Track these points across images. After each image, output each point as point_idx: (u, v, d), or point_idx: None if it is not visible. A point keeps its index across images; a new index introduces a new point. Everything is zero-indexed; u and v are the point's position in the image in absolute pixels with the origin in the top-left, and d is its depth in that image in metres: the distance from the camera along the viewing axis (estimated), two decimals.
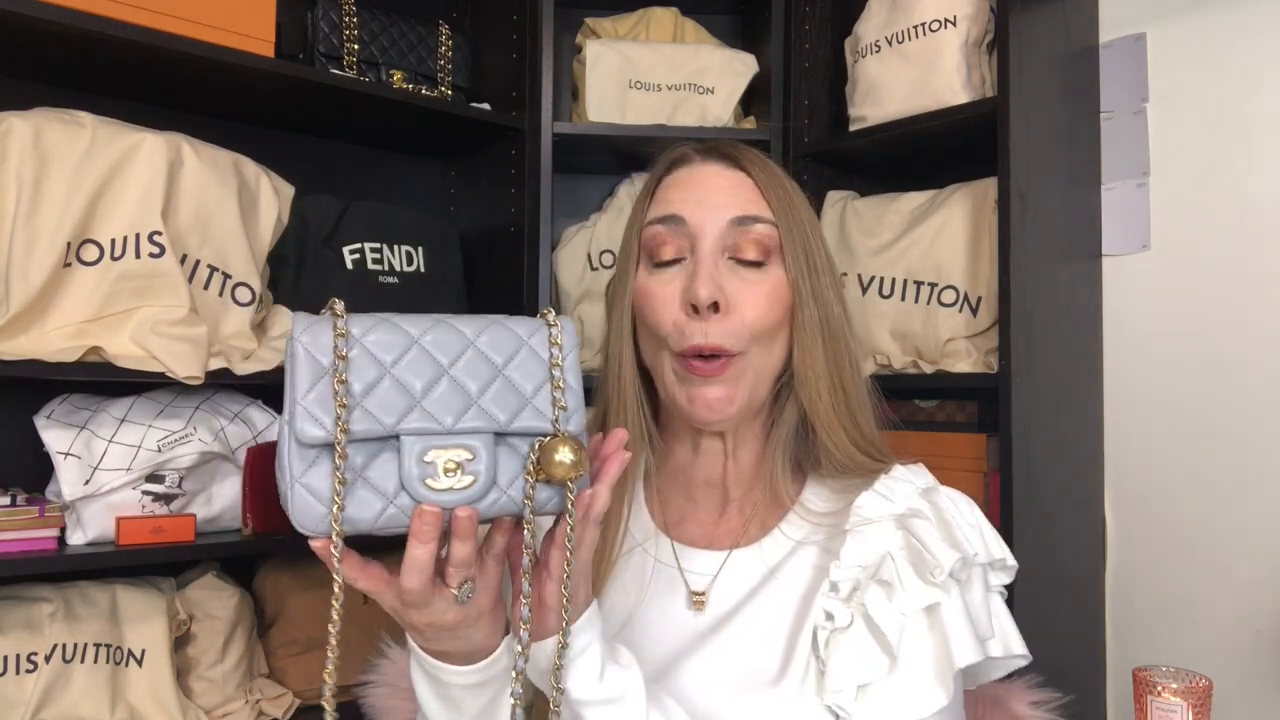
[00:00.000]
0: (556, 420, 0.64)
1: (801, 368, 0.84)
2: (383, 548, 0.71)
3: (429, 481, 0.60)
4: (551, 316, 0.67)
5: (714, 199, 0.84)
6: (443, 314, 0.65)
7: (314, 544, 0.60)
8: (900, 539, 0.81)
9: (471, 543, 0.63)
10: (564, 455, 0.63)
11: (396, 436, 0.60)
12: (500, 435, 0.63)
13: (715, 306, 0.80)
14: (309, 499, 0.59)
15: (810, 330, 0.84)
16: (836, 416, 0.85)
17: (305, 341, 0.60)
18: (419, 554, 0.61)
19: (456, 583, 0.64)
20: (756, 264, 0.83)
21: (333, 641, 0.61)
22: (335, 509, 0.59)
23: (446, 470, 0.61)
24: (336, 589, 0.60)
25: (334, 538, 0.60)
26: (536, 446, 0.64)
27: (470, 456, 0.61)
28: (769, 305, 0.83)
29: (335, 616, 0.61)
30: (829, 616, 0.78)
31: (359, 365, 0.61)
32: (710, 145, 0.89)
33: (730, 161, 0.87)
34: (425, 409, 0.61)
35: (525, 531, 0.65)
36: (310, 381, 0.59)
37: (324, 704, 0.63)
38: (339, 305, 0.62)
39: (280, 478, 0.60)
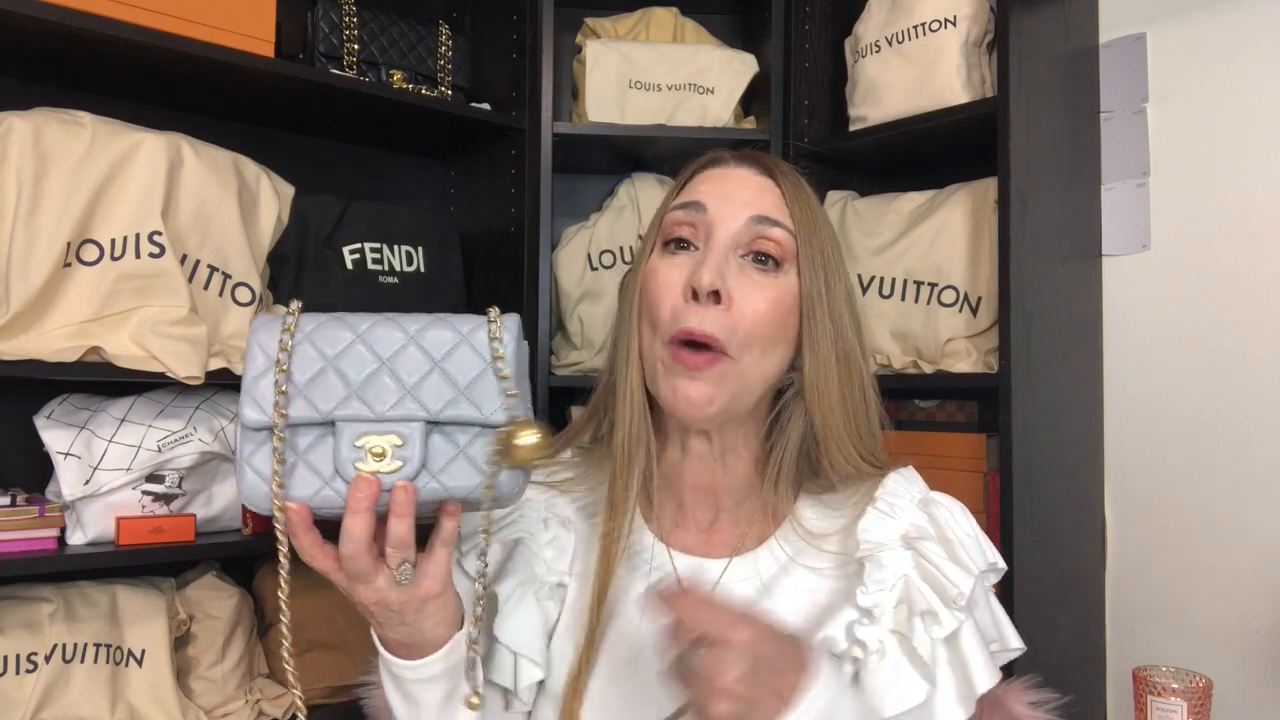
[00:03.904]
0: (510, 407, 0.69)
1: (813, 380, 0.83)
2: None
3: (358, 464, 0.65)
4: (493, 314, 0.71)
5: (738, 196, 0.84)
6: (396, 313, 0.70)
7: (290, 508, 0.66)
8: (910, 560, 0.82)
9: (408, 521, 0.66)
10: (527, 438, 0.67)
11: (334, 422, 0.66)
12: (434, 424, 0.67)
13: (716, 297, 0.80)
14: (254, 478, 0.66)
15: (825, 345, 0.83)
16: (847, 432, 0.84)
17: (258, 337, 0.67)
18: (352, 524, 0.65)
19: (395, 563, 0.67)
20: (769, 267, 0.83)
21: (283, 604, 0.70)
22: (275, 485, 0.66)
23: (374, 454, 0.65)
24: (281, 558, 0.67)
25: (275, 513, 0.66)
26: (501, 433, 0.68)
27: (400, 443, 0.66)
28: (771, 309, 0.81)
29: (284, 584, 0.69)
30: (859, 644, 0.79)
31: (304, 358, 0.67)
32: (747, 152, 0.90)
33: (762, 168, 0.88)
34: (361, 397, 0.66)
35: (482, 519, 0.70)
36: (258, 372, 0.67)
37: (285, 664, 0.71)
38: (295, 304, 0.68)
39: (235, 458, 0.68)
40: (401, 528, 0.66)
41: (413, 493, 0.65)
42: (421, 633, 0.71)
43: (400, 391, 0.67)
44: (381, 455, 0.65)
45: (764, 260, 0.83)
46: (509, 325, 0.70)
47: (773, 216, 0.83)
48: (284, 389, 0.66)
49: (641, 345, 0.86)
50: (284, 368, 0.66)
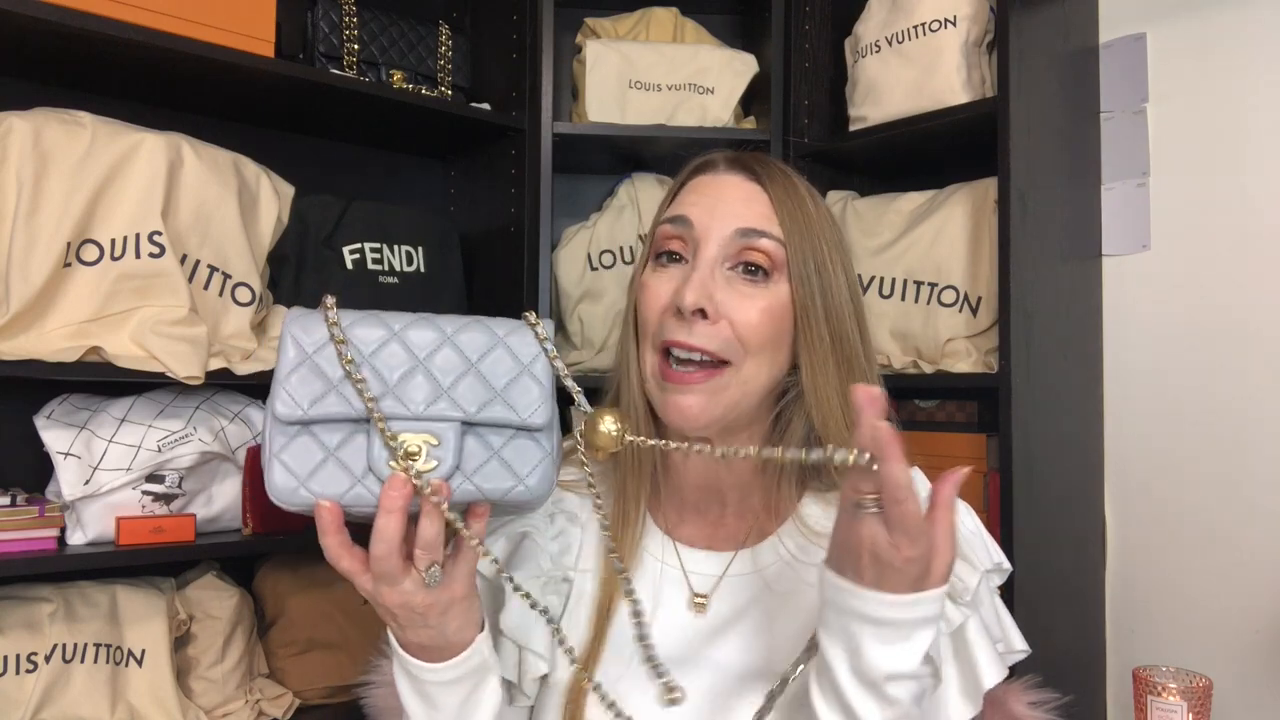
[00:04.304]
0: (579, 405, 0.70)
1: (811, 386, 0.83)
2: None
3: (392, 463, 0.64)
4: (532, 318, 0.71)
5: (724, 208, 0.84)
6: (430, 313, 0.70)
7: (320, 505, 0.64)
8: None
9: (440, 521, 0.65)
10: (608, 425, 0.68)
11: (368, 420, 0.65)
12: (469, 425, 0.67)
13: (702, 313, 0.80)
14: (286, 473, 0.65)
15: (821, 350, 0.83)
16: (849, 434, 0.84)
17: (294, 331, 0.66)
18: (385, 523, 0.64)
19: (424, 565, 0.66)
20: (758, 277, 0.83)
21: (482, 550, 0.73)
22: (404, 470, 0.64)
23: (410, 453, 0.64)
24: (441, 516, 0.66)
25: (424, 490, 0.64)
26: (583, 422, 0.69)
27: (436, 442, 0.65)
28: (761, 320, 0.81)
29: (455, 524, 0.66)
30: None
31: (339, 354, 0.66)
32: (737, 156, 0.89)
33: (751, 174, 0.86)
34: (397, 395, 0.66)
35: (597, 512, 0.73)
36: (292, 365, 0.65)
37: None
38: (330, 299, 0.67)
39: (262, 453, 0.66)
40: (434, 528, 0.65)
41: (448, 493, 0.65)
42: (445, 636, 0.71)
43: (436, 391, 0.66)
44: (416, 454, 0.65)
45: (753, 270, 0.83)
46: (548, 329, 0.71)
47: (759, 228, 0.83)
48: (361, 376, 0.65)
49: (639, 356, 0.86)
50: (349, 359, 0.65)
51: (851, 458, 0.61)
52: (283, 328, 0.67)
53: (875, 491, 0.62)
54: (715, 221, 0.83)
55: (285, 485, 0.65)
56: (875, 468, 0.61)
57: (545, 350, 0.70)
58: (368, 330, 0.67)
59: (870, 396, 0.62)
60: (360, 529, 0.67)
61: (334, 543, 0.66)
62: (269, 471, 0.65)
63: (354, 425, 0.66)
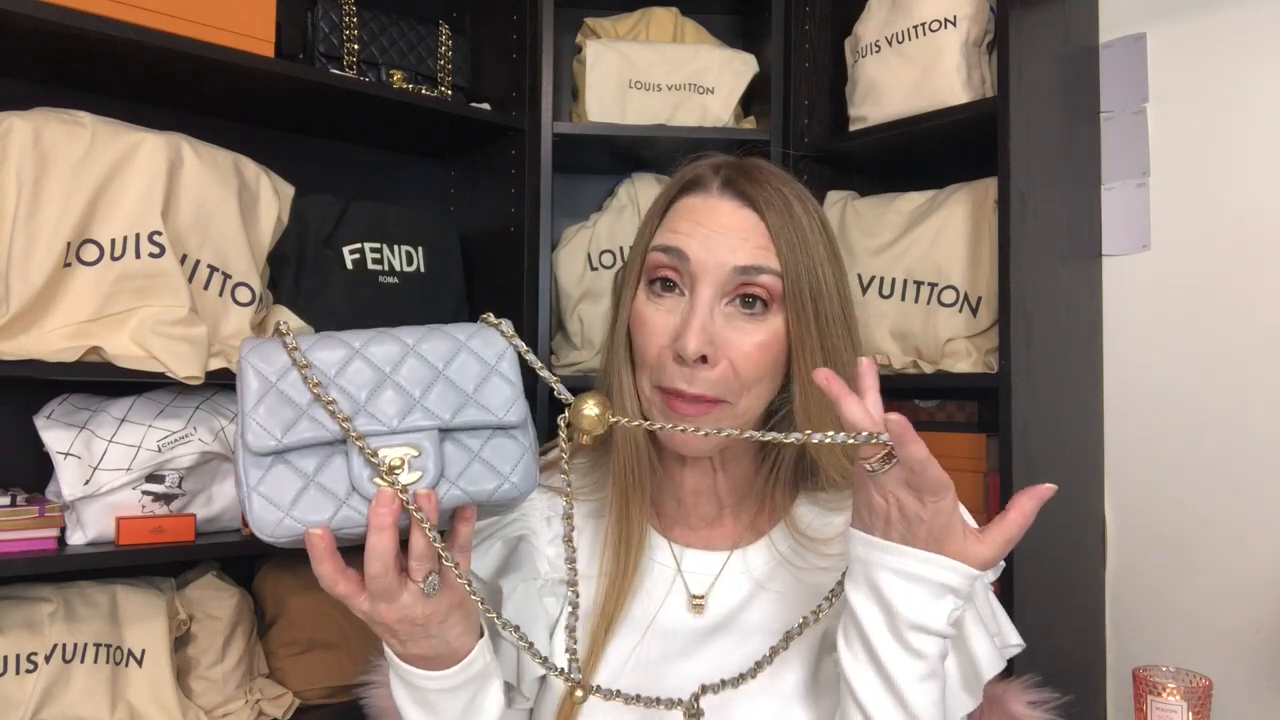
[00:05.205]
0: (558, 392, 0.72)
1: (804, 412, 0.83)
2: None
3: (376, 480, 0.64)
4: (492, 318, 0.72)
5: (721, 240, 0.81)
6: (386, 328, 0.70)
7: (312, 533, 0.63)
8: None
9: (433, 531, 0.65)
10: (590, 408, 0.69)
11: (344, 440, 0.64)
12: (446, 432, 0.67)
13: (703, 358, 0.79)
14: (266, 505, 0.63)
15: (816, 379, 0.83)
16: (843, 451, 0.84)
17: (253, 361, 0.65)
18: (377, 540, 0.64)
19: (421, 575, 0.66)
20: (756, 310, 0.81)
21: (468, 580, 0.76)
22: (391, 485, 0.64)
23: (392, 467, 0.64)
24: (431, 530, 0.66)
25: (414, 513, 0.64)
26: (566, 409, 0.71)
27: (417, 453, 0.65)
28: (760, 356, 0.81)
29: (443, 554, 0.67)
30: None
31: (304, 379, 0.65)
32: (729, 174, 0.85)
33: (746, 200, 0.83)
34: (370, 412, 0.65)
35: (565, 503, 0.74)
36: (257, 396, 0.64)
37: None
38: (285, 325, 0.67)
39: (238, 488, 0.65)
40: (425, 539, 0.65)
41: (437, 501, 0.64)
42: (446, 643, 0.71)
43: (408, 403, 0.66)
44: (400, 468, 0.64)
45: (750, 303, 0.81)
46: (508, 328, 0.71)
47: (757, 263, 0.80)
48: (330, 398, 0.64)
49: (635, 382, 0.85)
50: (315, 382, 0.64)
51: (852, 439, 0.65)
52: (240, 360, 0.65)
53: (880, 454, 0.65)
54: (711, 258, 0.81)
55: (268, 518, 0.63)
56: (877, 443, 0.65)
57: (515, 346, 0.70)
58: (328, 352, 0.66)
59: (857, 370, 0.69)
60: (347, 551, 0.67)
61: (329, 569, 0.65)
62: (248, 506, 0.63)
63: (329, 448, 0.65)
